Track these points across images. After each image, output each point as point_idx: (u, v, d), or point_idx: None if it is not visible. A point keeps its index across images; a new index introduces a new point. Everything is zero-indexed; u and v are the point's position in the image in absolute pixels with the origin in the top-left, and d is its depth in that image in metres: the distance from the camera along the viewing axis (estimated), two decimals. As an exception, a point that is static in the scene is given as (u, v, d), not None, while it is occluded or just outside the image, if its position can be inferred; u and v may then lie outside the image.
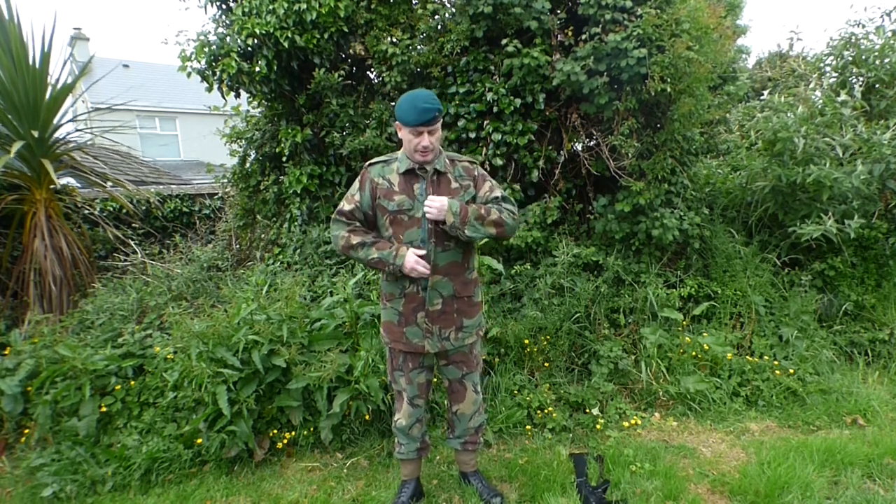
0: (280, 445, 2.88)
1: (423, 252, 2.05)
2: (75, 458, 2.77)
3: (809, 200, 4.02)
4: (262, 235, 4.92)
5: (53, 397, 2.93)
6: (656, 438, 2.99)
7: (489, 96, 3.74)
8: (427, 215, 2.02)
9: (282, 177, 4.57)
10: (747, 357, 3.49)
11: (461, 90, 3.85)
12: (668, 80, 3.43)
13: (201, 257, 4.70)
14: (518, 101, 3.71)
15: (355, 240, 2.09)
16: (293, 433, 2.91)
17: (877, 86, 4.52)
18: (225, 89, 4.07)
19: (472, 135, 3.84)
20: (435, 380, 2.85)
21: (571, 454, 2.79)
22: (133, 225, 5.79)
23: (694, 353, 3.42)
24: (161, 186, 6.58)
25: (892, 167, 3.68)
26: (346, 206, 2.14)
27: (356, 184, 2.16)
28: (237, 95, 4.31)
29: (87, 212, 5.34)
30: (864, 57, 4.53)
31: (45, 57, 4.30)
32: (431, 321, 2.15)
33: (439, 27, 3.99)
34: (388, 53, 3.87)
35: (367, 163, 2.19)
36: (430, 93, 2.04)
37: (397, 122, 2.06)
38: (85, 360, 3.03)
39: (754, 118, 4.36)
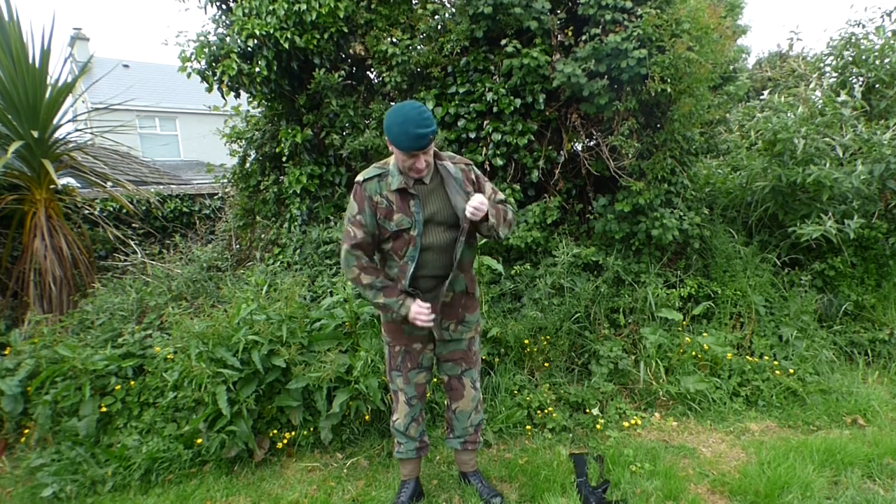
0: (280, 445, 2.88)
1: (427, 305, 2.04)
2: (75, 458, 2.77)
3: (809, 200, 4.02)
4: (262, 235, 4.92)
5: (53, 397, 2.93)
6: (656, 438, 2.98)
7: (489, 96, 3.74)
8: (472, 217, 1.94)
9: (282, 177, 4.58)
10: (747, 357, 3.49)
11: (461, 90, 3.85)
12: (669, 80, 3.43)
13: (201, 257, 4.70)
14: (518, 102, 3.71)
15: (366, 280, 2.06)
16: (293, 433, 2.91)
17: (877, 86, 4.52)
18: (225, 90, 4.07)
19: (472, 135, 3.84)
20: (434, 380, 2.85)
21: (571, 454, 2.79)
22: (133, 225, 5.80)
23: (694, 353, 3.41)
24: (161, 186, 6.58)
25: (892, 167, 3.68)
26: (357, 234, 2.05)
27: (354, 204, 2.06)
28: (237, 95, 4.31)
29: (87, 212, 5.34)
30: (864, 57, 4.53)
31: (45, 57, 4.31)
32: (438, 311, 2.15)
33: (439, 27, 3.99)
34: (388, 53, 3.87)
35: (361, 179, 2.07)
36: (422, 111, 1.88)
37: (388, 139, 1.95)
38: (85, 361, 3.03)
39: (754, 118, 4.36)
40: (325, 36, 3.88)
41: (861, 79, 4.59)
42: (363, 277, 2.06)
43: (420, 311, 2.03)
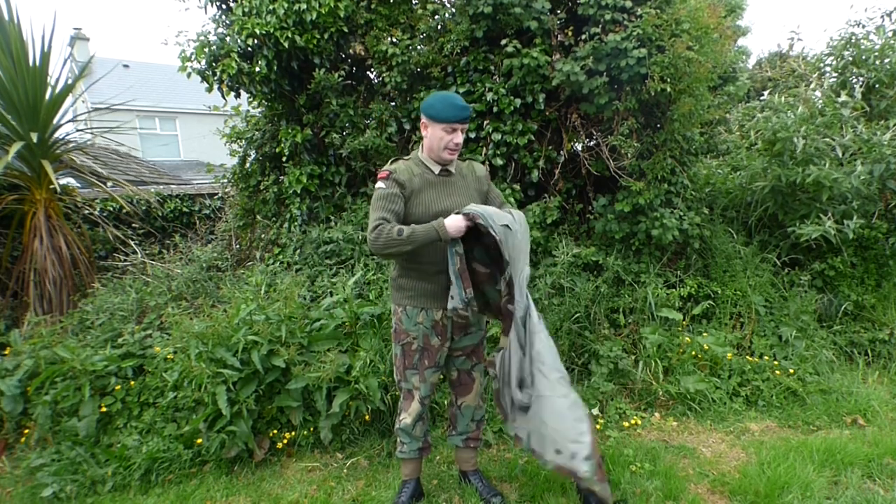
0: (280, 445, 2.88)
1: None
2: (75, 458, 2.77)
3: (809, 200, 4.02)
4: (262, 235, 4.91)
5: (53, 398, 2.93)
6: (656, 438, 2.98)
7: (489, 96, 3.74)
8: None
9: (282, 177, 4.57)
10: (747, 357, 3.49)
11: (461, 90, 3.84)
12: (668, 80, 3.43)
13: (201, 257, 4.69)
14: (518, 101, 3.71)
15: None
16: (293, 433, 2.91)
17: (877, 86, 4.52)
18: (225, 89, 4.07)
19: (472, 135, 3.84)
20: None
21: (571, 454, 2.78)
22: (133, 225, 5.79)
23: (694, 353, 3.41)
24: (161, 186, 6.58)
25: (892, 167, 3.68)
26: None
27: None
28: (237, 95, 4.31)
29: (87, 212, 5.34)
30: (864, 57, 4.53)
31: (45, 57, 4.30)
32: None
33: (439, 27, 3.99)
34: (388, 53, 3.87)
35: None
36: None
37: (425, 120, 2.11)
38: (84, 361, 3.02)
39: (754, 118, 4.36)
40: (325, 36, 3.88)
41: (861, 79, 4.59)
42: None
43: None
